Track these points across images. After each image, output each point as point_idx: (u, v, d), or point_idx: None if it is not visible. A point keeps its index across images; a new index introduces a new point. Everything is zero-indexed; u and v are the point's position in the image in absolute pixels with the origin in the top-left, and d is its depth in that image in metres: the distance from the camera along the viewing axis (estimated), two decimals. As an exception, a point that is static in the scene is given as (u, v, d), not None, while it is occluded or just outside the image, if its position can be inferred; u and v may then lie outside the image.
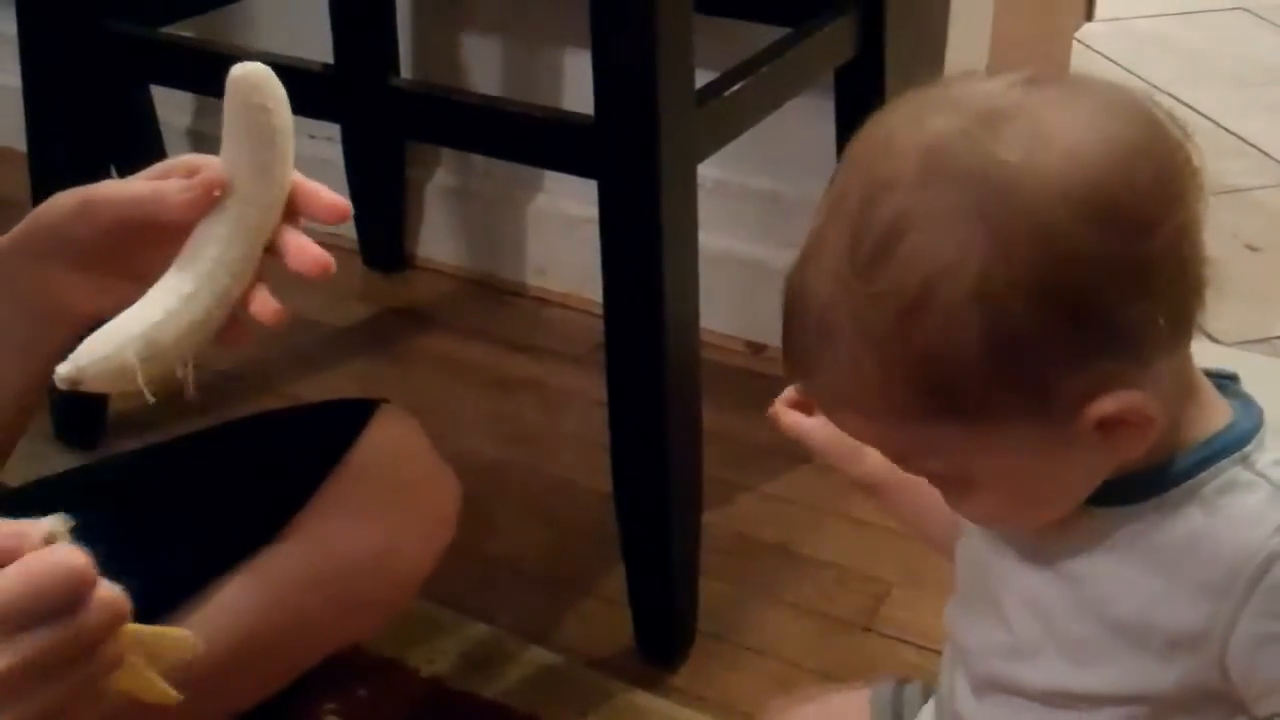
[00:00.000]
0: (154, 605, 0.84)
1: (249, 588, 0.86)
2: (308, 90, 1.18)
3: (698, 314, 1.08)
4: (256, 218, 0.75)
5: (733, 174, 1.46)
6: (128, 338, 0.70)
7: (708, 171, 1.06)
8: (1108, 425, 0.59)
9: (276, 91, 0.73)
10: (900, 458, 0.63)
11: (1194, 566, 0.62)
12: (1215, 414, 0.64)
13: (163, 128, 1.77)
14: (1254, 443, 0.63)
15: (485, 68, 1.63)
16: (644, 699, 1.09)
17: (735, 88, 1.09)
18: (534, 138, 1.06)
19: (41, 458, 1.23)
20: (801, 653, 1.15)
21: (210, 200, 0.73)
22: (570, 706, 1.08)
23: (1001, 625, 0.68)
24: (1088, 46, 2.35)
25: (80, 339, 0.71)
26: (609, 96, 0.98)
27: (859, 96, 1.30)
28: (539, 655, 1.14)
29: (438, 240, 1.74)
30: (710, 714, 1.08)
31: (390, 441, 0.91)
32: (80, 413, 1.39)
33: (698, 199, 1.05)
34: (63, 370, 0.69)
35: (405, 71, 1.66)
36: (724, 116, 1.10)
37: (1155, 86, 2.13)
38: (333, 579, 0.88)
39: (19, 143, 1.36)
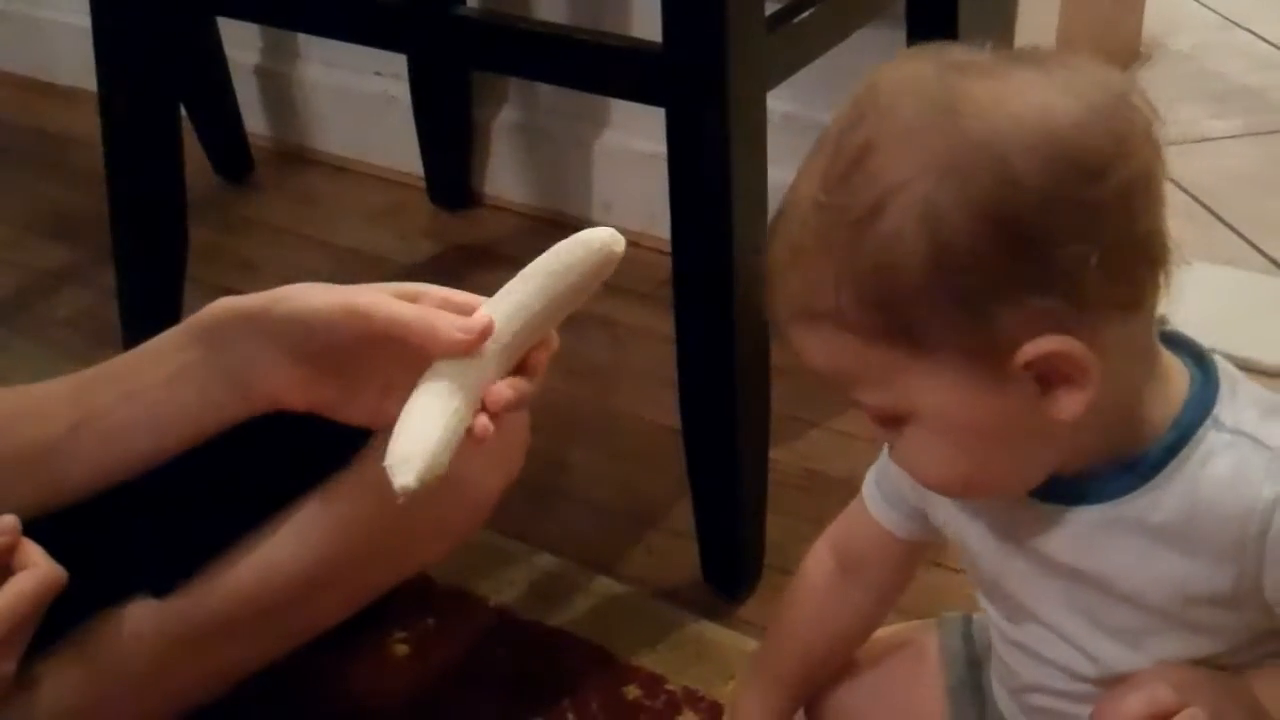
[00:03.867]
0: (226, 533, 0.86)
1: (320, 514, 0.87)
2: (374, 21, 1.18)
3: (767, 249, 1.07)
4: (509, 362, 0.76)
5: (802, 108, 1.44)
6: (434, 444, 0.70)
7: (776, 105, 1.04)
8: (1043, 376, 0.60)
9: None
10: (849, 383, 0.63)
11: (1204, 537, 0.63)
12: (1177, 384, 0.65)
13: (230, 65, 1.78)
14: (1219, 400, 0.64)
15: (552, -2, 1.62)
16: (711, 630, 1.10)
17: (806, 14, 1.08)
18: (601, 66, 1.06)
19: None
20: (869, 587, 1.14)
21: (478, 346, 0.73)
22: (637, 636, 1.09)
23: (1038, 628, 0.70)
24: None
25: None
26: (677, 22, 0.97)
27: (930, 26, 1.28)
28: (606, 586, 1.14)
29: (504, 177, 1.74)
30: (777, 646, 1.08)
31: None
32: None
33: (766, 131, 1.04)
34: (400, 486, 0.70)
35: (472, 1, 1.65)
36: (794, 43, 1.08)
37: (1233, 21, 2.09)
38: (400, 507, 0.89)
39: (90, 83, 1.37)
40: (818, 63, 1.13)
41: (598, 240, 0.76)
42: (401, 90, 1.70)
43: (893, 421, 0.64)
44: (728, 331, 1.04)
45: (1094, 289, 0.58)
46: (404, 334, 0.74)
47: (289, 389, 0.79)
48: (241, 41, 1.82)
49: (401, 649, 1.09)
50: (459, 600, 1.12)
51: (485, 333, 0.73)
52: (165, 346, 0.81)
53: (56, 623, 0.74)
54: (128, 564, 0.83)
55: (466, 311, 0.75)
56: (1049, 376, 0.60)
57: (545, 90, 1.66)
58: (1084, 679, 0.70)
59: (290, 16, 1.33)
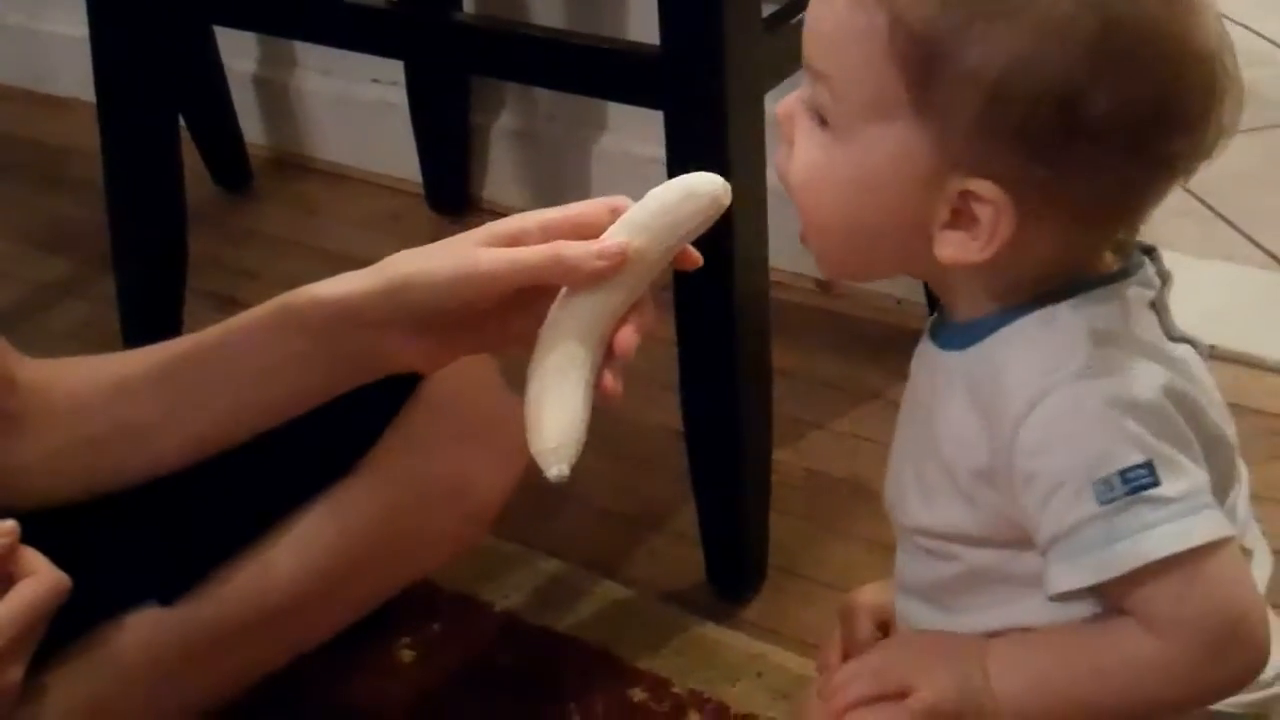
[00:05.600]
0: (231, 541, 0.86)
1: (324, 521, 0.87)
2: (371, 28, 1.18)
3: (767, 250, 1.08)
4: (626, 302, 0.73)
5: (799, 109, 1.45)
6: (579, 424, 0.70)
7: (774, 107, 1.04)
8: (957, 211, 0.61)
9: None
10: (828, 66, 0.64)
11: (985, 406, 0.64)
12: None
13: (228, 75, 1.79)
14: (1078, 297, 0.63)
15: (548, 0, 1.62)
16: (716, 632, 1.10)
17: (803, 14, 1.07)
18: (599, 70, 1.06)
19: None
20: (874, 587, 1.14)
21: (615, 272, 0.71)
22: (642, 639, 1.09)
23: (893, 469, 0.72)
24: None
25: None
26: (674, 25, 0.97)
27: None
28: (611, 590, 1.14)
29: (502, 183, 1.74)
30: (783, 647, 1.08)
31: (462, 376, 0.91)
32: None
33: (765, 134, 1.04)
34: (556, 476, 0.69)
35: (468, 7, 1.65)
36: (792, 44, 1.08)
37: (1228, 17, 2.09)
38: (406, 512, 0.89)
39: (87, 93, 1.37)
40: (815, 64, 1.13)
41: (705, 192, 0.73)
42: (399, 97, 1.70)
43: (812, 118, 0.65)
44: (729, 333, 1.04)
45: (1077, 194, 0.60)
46: (537, 279, 0.72)
47: (411, 360, 0.78)
48: (239, 50, 1.82)
49: (407, 654, 1.08)
50: (464, 605, 1.12)
51: (623, 254, 0.70)
52: (263, 333, 0.79)
53: (62, 631, 0.75)
54: (133, 572, 0.83)
55: (588, 233, 0.72)
56: (961, 214, 0.61)
57: (543, 95, 1.66)
58: (903, 528, 0.72)
59: (287, 25, 1.33)
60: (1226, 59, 0.62)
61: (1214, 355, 1.41)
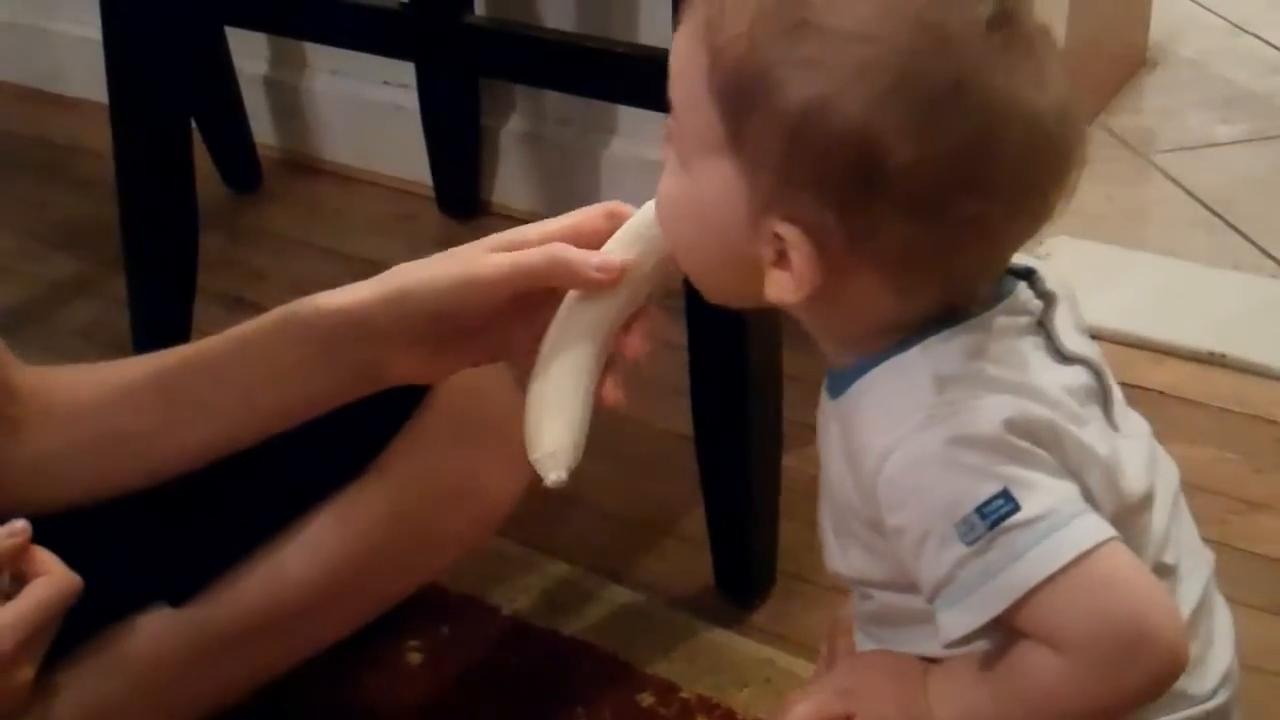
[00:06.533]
0: (242, 543, 0.86)
1: (333, 524, 0.87)
2: (382, 30, 1.18)
3: None
4: (626, 311, 0.74)
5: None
6: (578, 430, 0.71)
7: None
8: (780, 253, 0.61)
9: None
10: (674, 99, 0.65)
11: (852, 459, 0.64)
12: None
13: (239, 76, 1.79)
14: (929, 340, 0.63)
15: (559, 3, 1.62)
16: (725, 637, 1.10)
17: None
18: (610, 72, 1.06)
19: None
20: (882, 593, 1.14)
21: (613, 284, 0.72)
22: (650, 644, 1.09)
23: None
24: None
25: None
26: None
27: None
28: (619, 594, 1.14)
29: (512, 186, 1.74)
30: (791, 653, 1.08)
31: (473, 380, 0.91)
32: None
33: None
34: (554, 481, 0.70)
35: (479, 9, 1.65)
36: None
37: (1239, 27, 2.09)
38: (415, 515, 0.89)
39: (98, 94, 1.37)
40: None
41: None
42: (410, 99, 1.70)
43: (669, 153, 0.66)
44: (739, 338, 1.04)
45: (878, 248, 0.60)
46: (537, 282, 0.73)
47: (410, 372, 0.79)
48: (250, 52, 1.82)
49: (415, 657, 1.08)
50: (472, 609, 1.12)
51: (621, 269, 0.72)
52: (266, 341, 0.80)
53: (74, 631, 0.75)
54: (144, 573, 0.84)
55: (587, 239, 0.73)
56: (783, 255, 0.61)
57: (553, 98, 1.66)
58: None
59: (299, 26, 1.34)
60: (1066, 122, 0.60)
61: (1223, 364, 1.42)
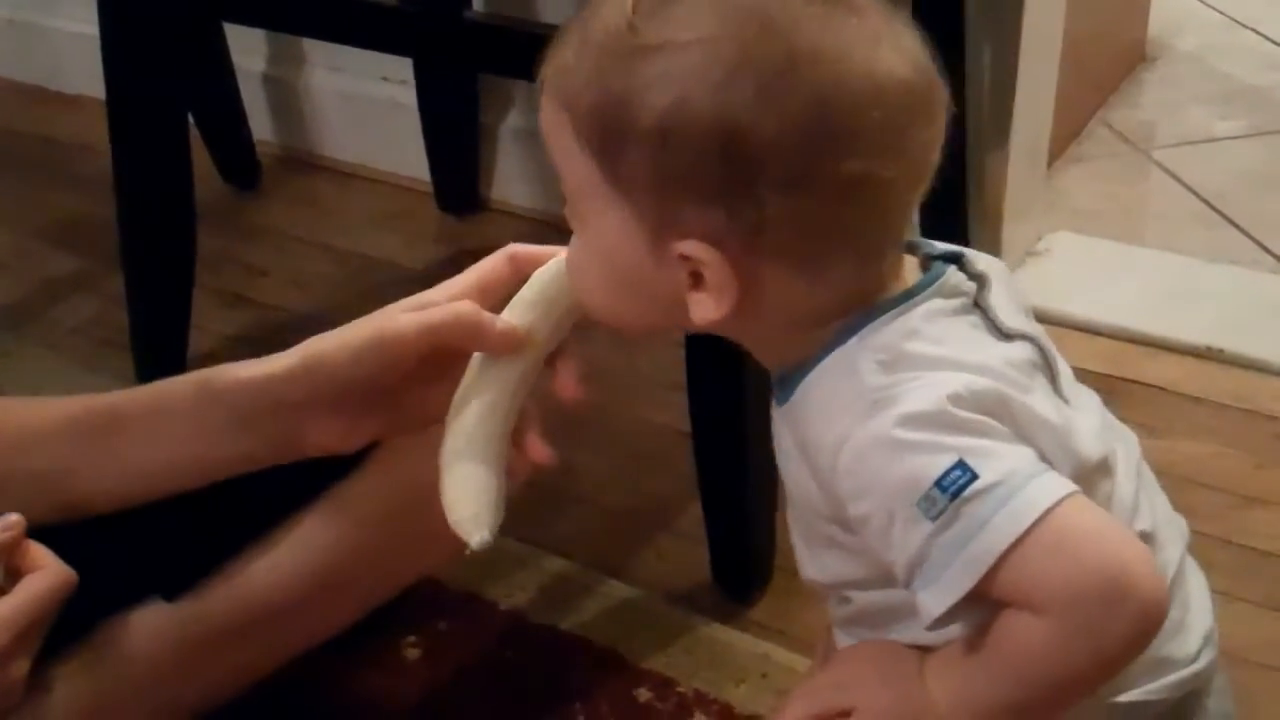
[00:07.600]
0: (235, 538, 0.86)
1: (328, 519, 0.87)
2: (380, 26, 1.18)
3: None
4: (533, 370, 0.76)
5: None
6: (493, 490, 0.72)
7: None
8: (694, 274, 0.62)
9: None
10: (556, 166, 0.66)
11: (809, 459, 0.64)
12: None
13: (237, 72, 1.79)
14: (864, 330, 0.63)
15: None
16: (722, 633, 1.10)
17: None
18: (608, 70, 1.06)
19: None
20: (879, 589, 1.14)
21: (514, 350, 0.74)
22: (648, 639, 1.09)
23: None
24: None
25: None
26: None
27: (935, 27, 1.27)
28: (617, 589, 1.14)
29: (511, 183, 1.74)
30: (788, 648, 1.08)
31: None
32: (161, 355, 1.41)
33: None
34: (479, 543, 0.71)
35: (478, 5, 1.65)
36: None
37: (1239, 22, 2.09)
38: (408, 510, 0.89)
39: (96, 90, 1.37)
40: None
41: None
42: (408, 95, 1.70)
43: (575, 218, 0.67)
44: (736, 334, 1.04)
45: (774, 234, 0.61)
46: (442, 339, 0.74)
47: (332, 440, 0.79)
48: (248, 48, 1.82)
49: (413, 652, 1.09)
50: (470, 604, 1.13)
51: (518, 337, 0.74)
52: (184, 404, 0.81)
53: (68, 626, 0.75)
54: (138, 568, 0.83)
55: (491, 291, 0.76)
56: (698, 276, 0.62)
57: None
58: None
59: (296, 22, 1.34)
60: (913, 66, 0.62)
61: (1222, 359, 1.41)
